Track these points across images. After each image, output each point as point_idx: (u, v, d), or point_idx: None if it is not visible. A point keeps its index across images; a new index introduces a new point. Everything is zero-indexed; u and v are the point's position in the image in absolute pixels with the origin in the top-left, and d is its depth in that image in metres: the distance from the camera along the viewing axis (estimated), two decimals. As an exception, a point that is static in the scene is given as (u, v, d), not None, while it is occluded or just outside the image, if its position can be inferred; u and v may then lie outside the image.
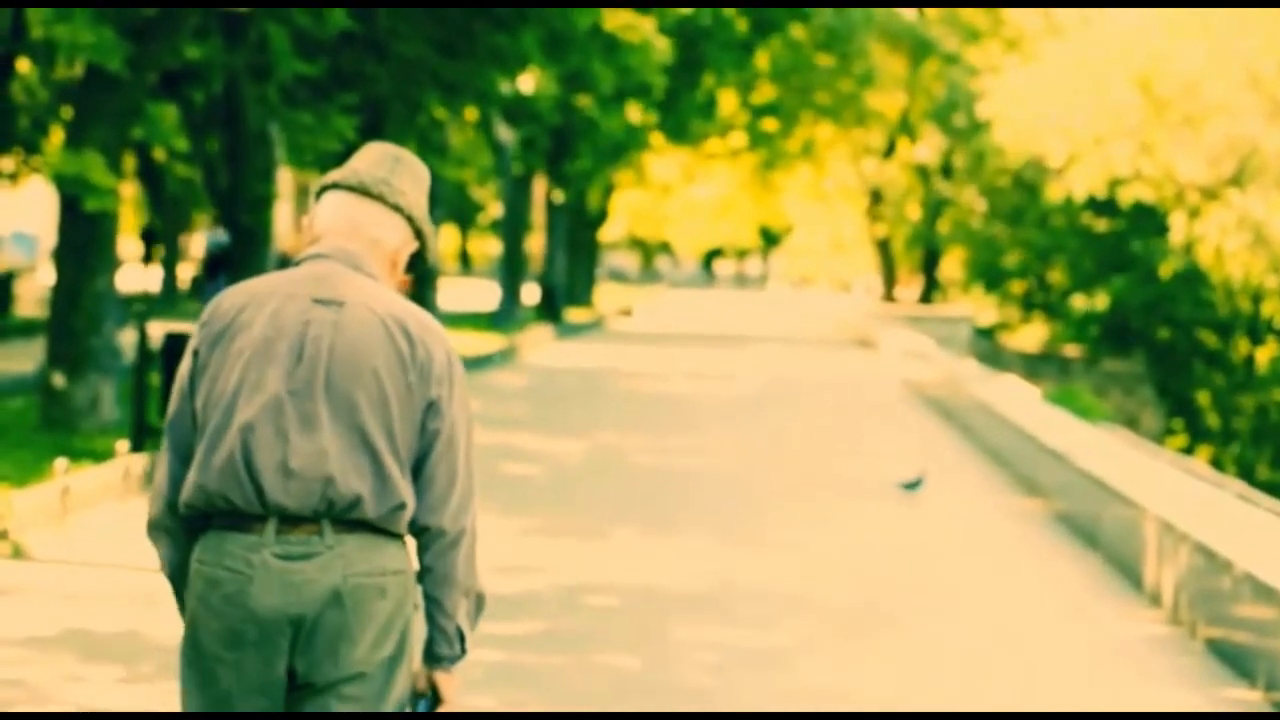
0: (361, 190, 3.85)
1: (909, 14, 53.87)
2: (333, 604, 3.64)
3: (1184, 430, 37.68)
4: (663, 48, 34.72)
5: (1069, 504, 13.39)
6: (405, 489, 3.71)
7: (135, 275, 44.51)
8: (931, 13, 53.82)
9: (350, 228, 3.84)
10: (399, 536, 3.75)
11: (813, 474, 16.06)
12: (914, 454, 17.19)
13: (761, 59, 50.69)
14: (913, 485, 14.50)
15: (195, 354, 3.77)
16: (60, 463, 11.77)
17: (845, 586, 10.54)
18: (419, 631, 3.83)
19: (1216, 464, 32.94)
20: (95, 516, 11.79)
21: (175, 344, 14.84)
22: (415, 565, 3.83)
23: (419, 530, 3.76)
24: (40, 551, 10.56)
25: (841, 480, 15.63)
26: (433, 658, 3.80)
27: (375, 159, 3.89)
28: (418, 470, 3.75)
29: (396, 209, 3.86)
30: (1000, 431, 17.59)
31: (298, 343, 3.70)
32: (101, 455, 13.37)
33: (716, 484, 15.09)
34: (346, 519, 3.67)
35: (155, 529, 3.82)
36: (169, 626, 8.55)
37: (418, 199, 3.90)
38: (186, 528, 3.79)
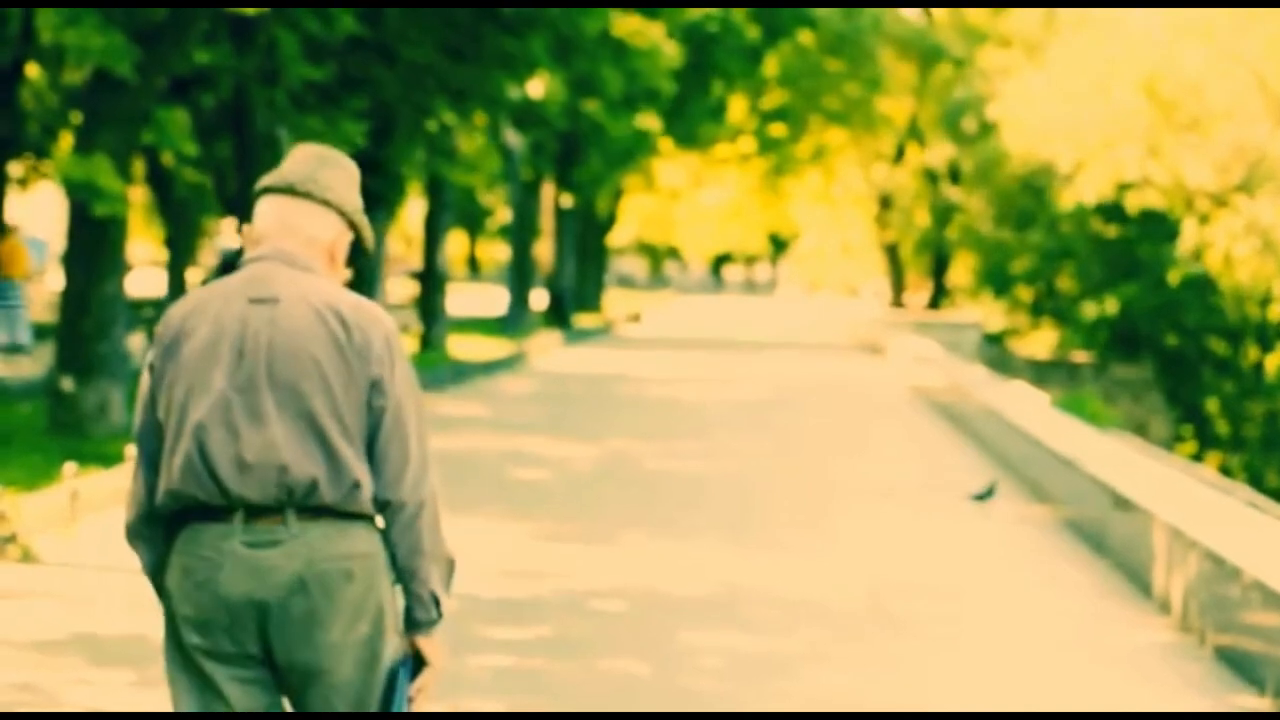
0: (290, 191, 4.04)
1: (917, 18, 53.86)
2: (297, 590, 3.82)
3: (1193, 437, 37.63)
4: (671, 53, 34.74)
5: (1078, 510, 13.37)
6: (359, 468, 3.88)
7: (154, 280, 44.54)
8: (940, 18, 53.79)
9: (284, 228, 4.03)
10: (366, 519, 3.92)
11: (821, 479, 16.05)
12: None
13: (770, 64, 50.70)
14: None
15: (152, 367, 3.98)
16: (69, 467, 11.78)
17: (853, 592, 10.53)
18: (397, 606, 3.97)
19: (1225, 471, 32.90)
20: (104, 520, 11.79)
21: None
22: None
23: (381, 506, 3.92)
24: (49, 555, 10.58)
25: (850, 485, 15.62)
26: (412, 624, 3.97)
27: (301, 160, 4.09)
28: (371, 449, 3.91)
29: (326, 204, 4.04)
30: (1009, 438, 17.57)
31: (237, 341, 3.89)
32: (110, 459, 13.38)
33: (725, 489, 15.08)
34: (309, 506, 3.85)
35: (131, 536, 4.05)
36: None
37: (347, 193, 4.09)
38: (165, 530, 3.99)
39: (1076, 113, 36.07)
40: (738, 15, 42.40)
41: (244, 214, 21.11)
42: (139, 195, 40.44)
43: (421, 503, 3.93)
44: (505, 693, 7.69)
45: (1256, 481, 31.90)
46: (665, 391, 25.92)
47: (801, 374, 31.26)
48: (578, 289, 49.95)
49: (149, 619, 8.81)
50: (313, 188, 4.04)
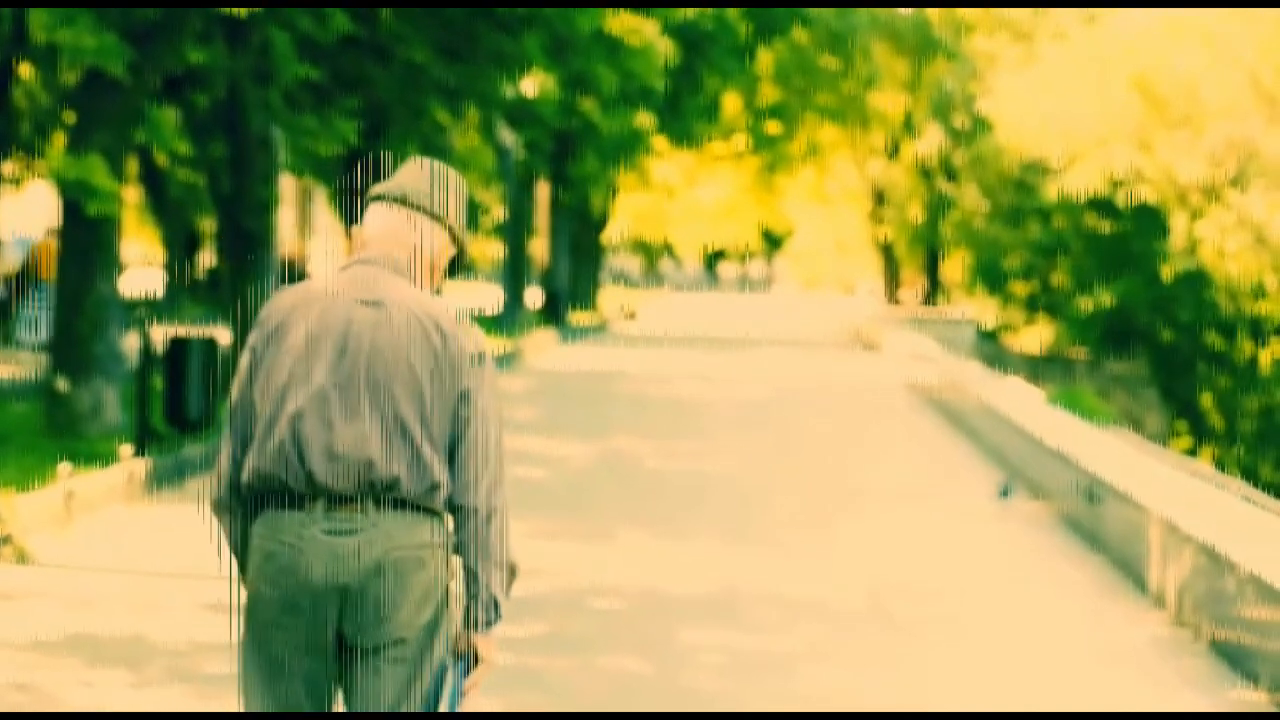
0: (404, 201, 4.27)
1: (909, 12, 53.83)
2: (376, 574, 4.06)
3: (1188, 432, 37.64)
4: (665, 51, 34.71)
5: (1073, 505, 13.38)
6: (440, 471, 4.12)
7: (148, 280, 44.50)
8: (934, 16, 53.76)
9: (393, 236, 4.26)
10: (437, 513, 4.14)
11: (818, 477, 16.06)
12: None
13: (764, 61, 50.66)
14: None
15: (253, 350, 4.19)
16: (64, 467, 11.77)
17: (851, 590, 10.54)
18: (455, 596, 4.20)
19: (1220, 465, 32.87)
20: (99, 520, 11.79)
21: (179, 348, 14.83)
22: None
23: (455, 508, 4.15)
24: (44, 556, 10.56)
25: (847, 483, 15.62)
26: (470, 623, 4.21)
27: (416, 172, 4.32)
28: (452, 454, 4.15)
29: (436, 218, 4.28)
30: (1004, 434, 17.58)
31: (341, 340, 4.12)
32: (105, 459, 13.36)
33: (723, 487, 15.09)
34: (388, 498, 4.08)
35: (218, 507, 4.25)
36: (174, 630, 8.56)
37: (456, 209, 4.33)
38: (247, 505, 4.20)
39: (1068, 109, 36.07)
40: (731, 13, 42.36)
41: (236, 214, 21.07)
42: (133, 195, 40.42)
43: (493, 510, 4.16)
44: (504, 691, 7.68)
45: (1251, 475, 31.89)
46: (662, 389, 25.92)
47: (797, 371, 31.26)
48: (572, 287, 49.91)
49: (146, 619, 8.82)
50: (426, 201, 4.27)
